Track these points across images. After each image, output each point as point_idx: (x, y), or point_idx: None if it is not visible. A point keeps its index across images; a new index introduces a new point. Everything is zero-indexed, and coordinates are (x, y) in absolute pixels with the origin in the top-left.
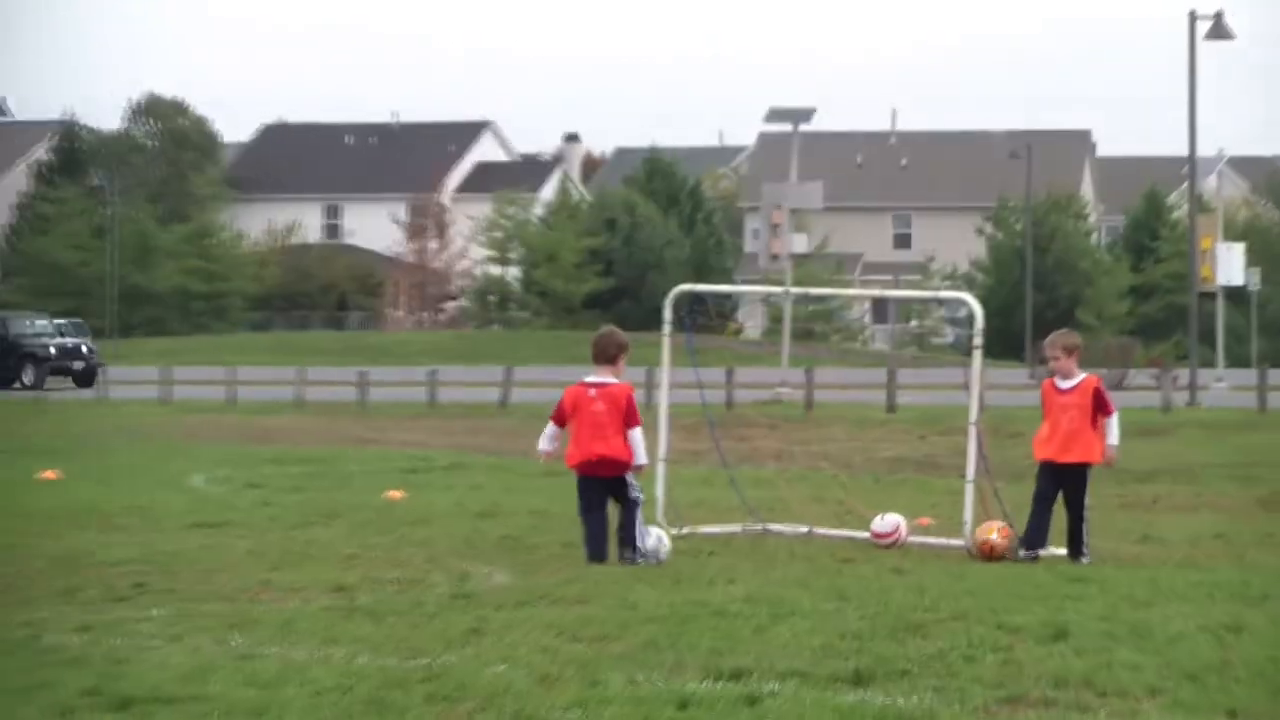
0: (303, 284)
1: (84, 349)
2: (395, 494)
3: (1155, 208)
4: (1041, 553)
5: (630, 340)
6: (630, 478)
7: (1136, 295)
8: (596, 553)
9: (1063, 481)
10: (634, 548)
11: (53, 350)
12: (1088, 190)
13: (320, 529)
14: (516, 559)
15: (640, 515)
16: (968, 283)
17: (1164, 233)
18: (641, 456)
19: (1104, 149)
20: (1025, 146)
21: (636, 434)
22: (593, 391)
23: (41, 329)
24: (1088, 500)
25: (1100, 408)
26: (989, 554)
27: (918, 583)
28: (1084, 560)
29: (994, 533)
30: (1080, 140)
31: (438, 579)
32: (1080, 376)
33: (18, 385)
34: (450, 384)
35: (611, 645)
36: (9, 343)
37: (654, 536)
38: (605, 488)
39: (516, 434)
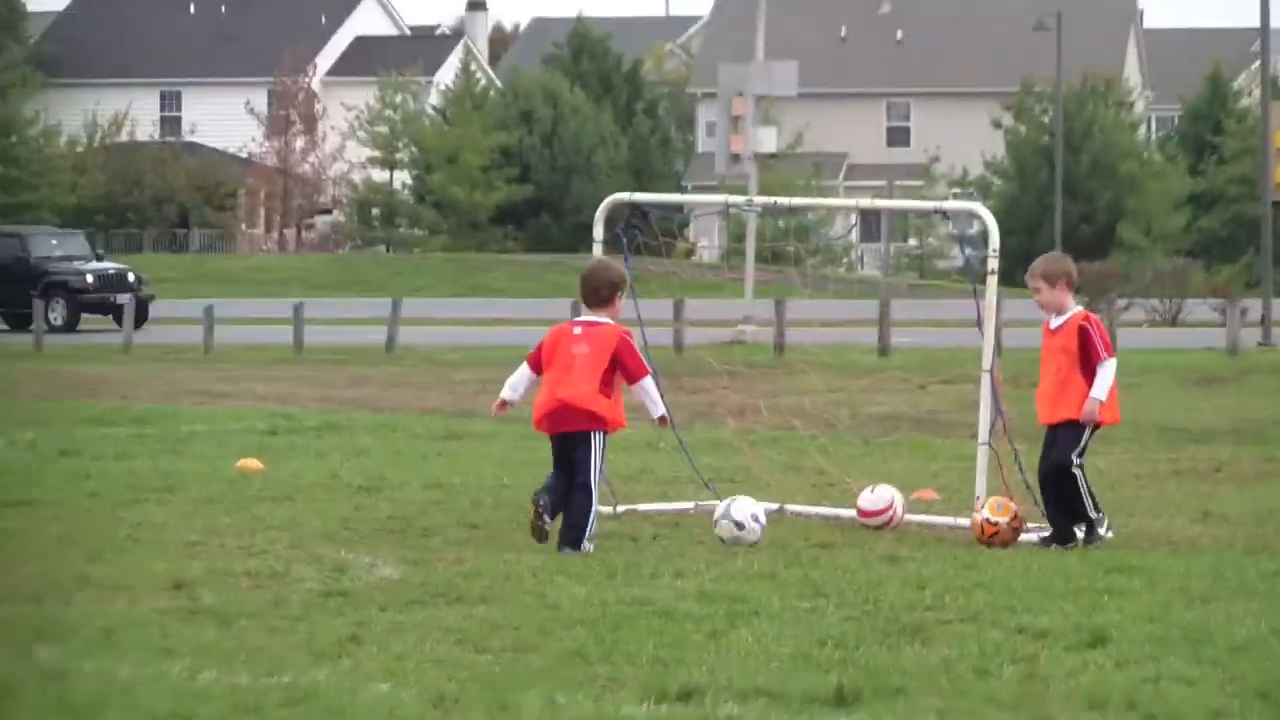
0: (132, 193)
1: (130, 278)
2: (250, 463)
3: (1218, 94)
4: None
5: (624, 275)
6: (595, 441)
7: (1196, 205)
8: (543, 505)
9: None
10: (577, 543)
11: (89, 279)
12: (1133, 71)
13: (154, 508)
14: (407, 546)
15: (595, 502)
16: (981, 190)
17: (1229, 126)
18: (658, 406)
19: (1152, 19)
20: (1054, 15)
21: (646, 383)
22: (578, 329)
23: (73, 250)
24: (1077, 459)
25: (1087, 353)
26: (990, 539)
27: (917, 574)
28: (1073, 545)
29: (995, 509)
30: (1123, 7)
31: (305, 572)
32: (1070, 312)
33: (45, 326)
34: (322, 321)
35: (527, 657)
36: (30, 268)
37: (739, 512)
38: (570, 447)
39: (408, 385)
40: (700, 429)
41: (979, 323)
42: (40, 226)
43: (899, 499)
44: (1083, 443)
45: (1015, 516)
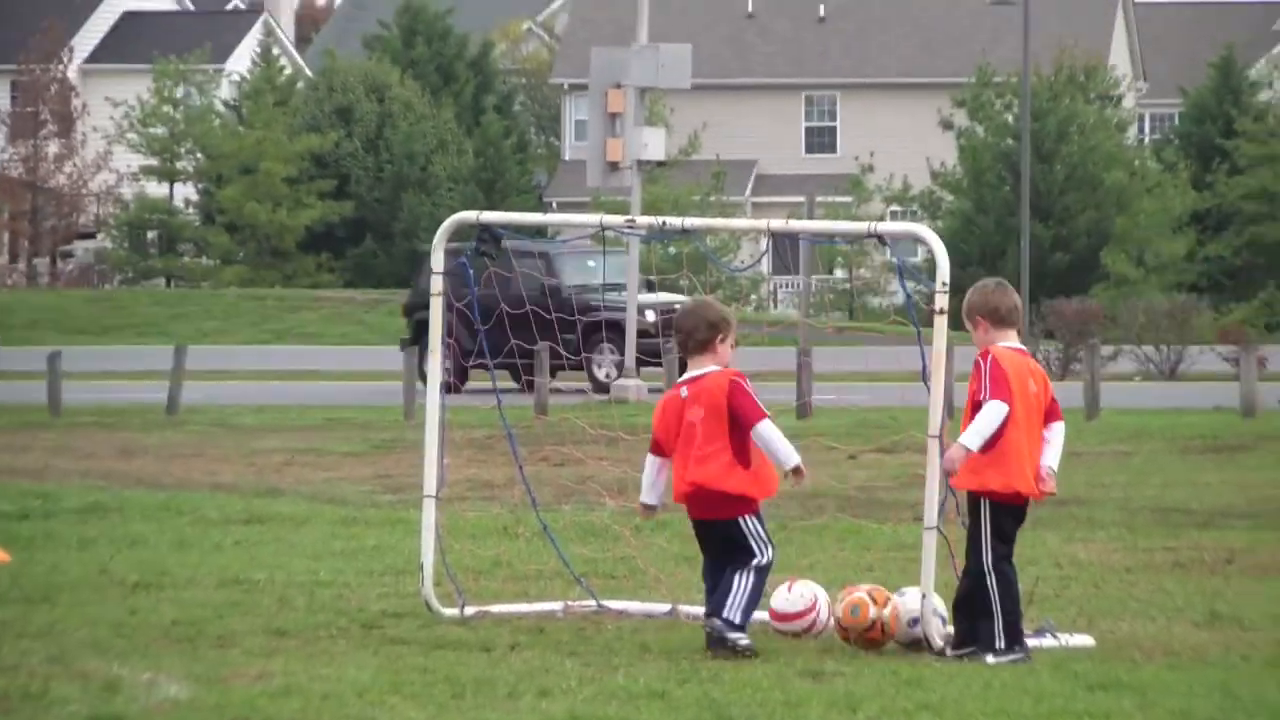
0: None
1: None
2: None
3: (1229, 85)
4: (1035, 643)
5: (728, 316)
6: (748, 522)
7: (1201, 227)
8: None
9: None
10: (729, 620)
11: None
12: (1121, 56)
13: None
14: (197, 658)
15: (752, 581)
16: (927, 208)
17: (1244, 125)
18: (789, 458)
19: None
20: None
21: (763, 429)
22: (684, 391)
23: None
24: (988, 559)
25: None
26: (877, 639)
27: (846, 693)
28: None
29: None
30: None
31: (68, 692)
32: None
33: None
34: (85, 376)
35: None
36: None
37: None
38: (716, 535)
39: (195, 455)
40: (570, 511)
41: (924, 376)
42: None
43: (823, 598)
44: (988, 528)
45: (874, 623)
